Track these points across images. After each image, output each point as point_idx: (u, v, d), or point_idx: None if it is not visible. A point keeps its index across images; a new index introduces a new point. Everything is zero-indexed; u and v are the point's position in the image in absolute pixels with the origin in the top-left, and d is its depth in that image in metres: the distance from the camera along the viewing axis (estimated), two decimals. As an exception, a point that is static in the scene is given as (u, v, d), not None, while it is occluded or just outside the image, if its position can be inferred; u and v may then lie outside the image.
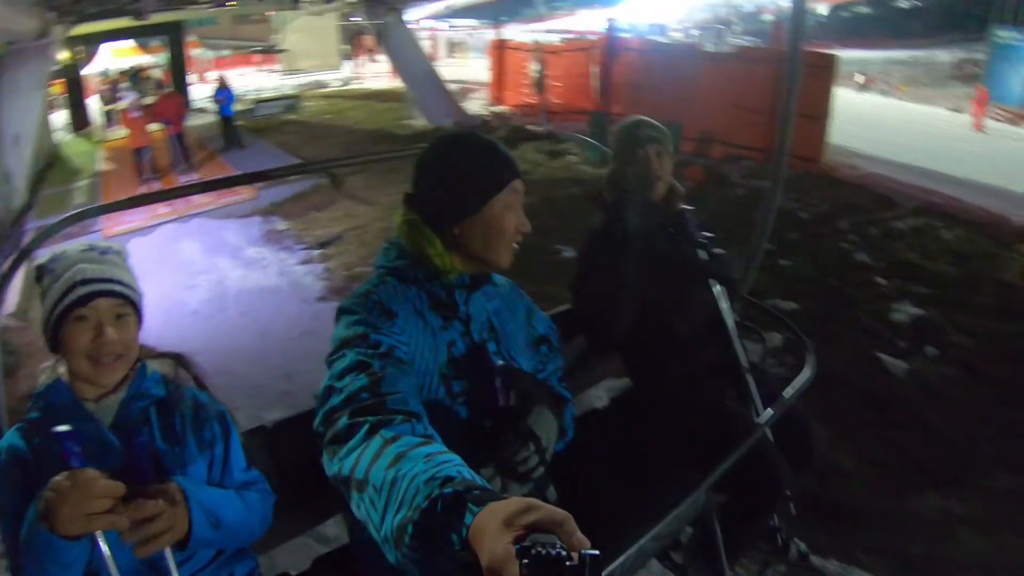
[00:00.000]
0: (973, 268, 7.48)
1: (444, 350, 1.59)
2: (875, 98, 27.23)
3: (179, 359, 1.67)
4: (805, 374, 2.33)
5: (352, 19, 18.11)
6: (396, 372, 1.41)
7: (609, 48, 13.81)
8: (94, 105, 21.99)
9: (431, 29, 41.72)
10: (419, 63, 16.25)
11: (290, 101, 19.63)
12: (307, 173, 11.78)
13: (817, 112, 11.02)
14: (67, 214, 2.15)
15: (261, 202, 10.78)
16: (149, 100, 14.97)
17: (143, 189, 12.45)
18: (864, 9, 49.95)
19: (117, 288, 1.48)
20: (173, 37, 21.85)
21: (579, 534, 0.84)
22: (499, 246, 1.63)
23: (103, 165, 15.36)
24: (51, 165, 15.43)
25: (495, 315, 1.74)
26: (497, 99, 18.02)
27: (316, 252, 8.01)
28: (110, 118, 20.17)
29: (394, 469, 1.12)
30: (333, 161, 8.40)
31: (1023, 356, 5.31)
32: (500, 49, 18.23)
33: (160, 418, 1.55)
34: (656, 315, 2.41)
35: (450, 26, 44.81)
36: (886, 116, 20.08)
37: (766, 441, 2.21)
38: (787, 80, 2.89)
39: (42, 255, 1.57)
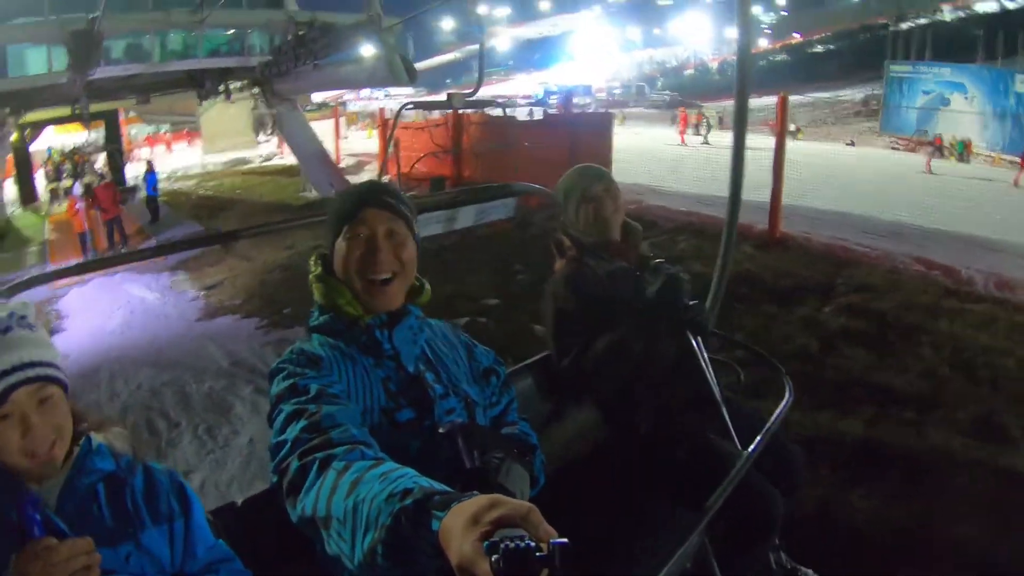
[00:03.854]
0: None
1: (379, 387, 1.64)
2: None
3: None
4: (784, 401, 2.44)
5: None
6: (333, 408, 1.46)
7: (456, 123, 17.34)
8: (39, 181, 25.41)
9: (366, 99, 44.99)
10: (309, 143, 20.26)
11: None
12: (215, 244, 15.31)
13: (601, 159, 13.07)
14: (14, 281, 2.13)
15: (169, 261, 14.71)
16: (88, 181, 18.86)
17: (86, 259, 15.38)
18: (780, 56, 53.90)
19: (32, 374, 1.39)
20: (110, 120, 25.32)
21: (546, 525, 0.90)
22: (351, 281, 1.70)
23: (49, 235, 19.02)
24: (3, 235, 18.98)
25: (428, 345, 1.79)
26: (384, 170, 20.41)
27: (202, 292, 11.69)
28: (54, 195, 23.85)
29: (352, 497, 1.16)
30: (247, 229, 11.70)
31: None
32: (383, 125, 21.49)
33: (109, 494, 1.48)
34: (629, 358, 2.48)
35: (385, 95, 46.18)
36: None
37: (752, 470, 2.18)
38: (735, 128, 3.03)
39: None
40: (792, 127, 30.59)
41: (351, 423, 1.44)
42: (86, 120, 25.28)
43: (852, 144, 28.80)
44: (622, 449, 2.48)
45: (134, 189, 21.30)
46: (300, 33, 18.04)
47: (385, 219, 1.69)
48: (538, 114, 21.61)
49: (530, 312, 7.83)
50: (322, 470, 1.30)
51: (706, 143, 28.08)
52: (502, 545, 0.83)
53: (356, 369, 1.65)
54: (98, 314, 10.63)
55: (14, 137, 21.15)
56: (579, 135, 14.70)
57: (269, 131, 30.03)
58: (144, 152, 28.79)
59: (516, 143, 15.57)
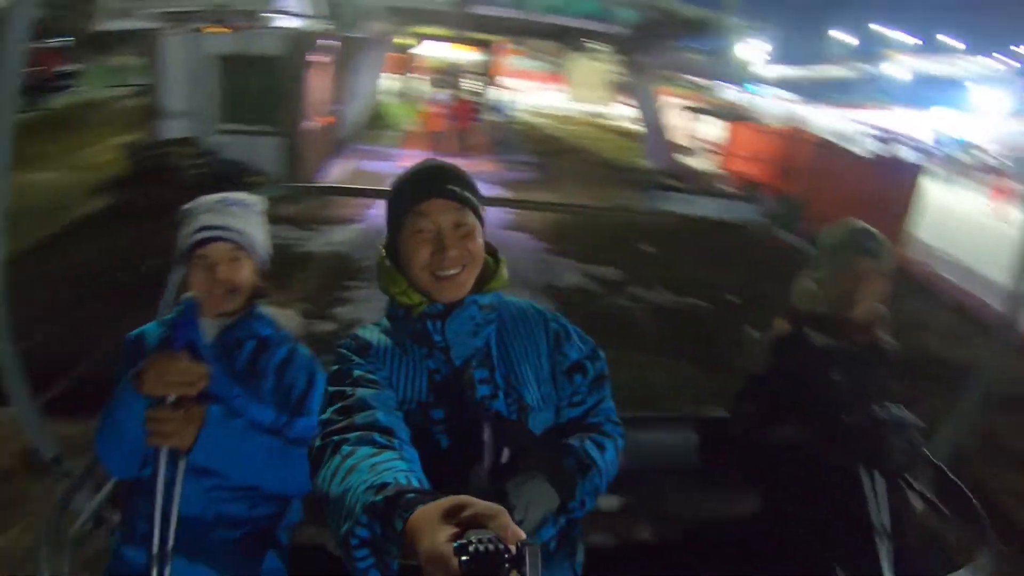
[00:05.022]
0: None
1: (425, 378, 1.61)
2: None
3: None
4: (975, 568, 1.90)
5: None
6: (367, 393, 1.47)
7: (790, 138, 17.44)
8: (418, 82, 29.29)
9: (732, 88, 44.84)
10: (653, 116, 21.19)
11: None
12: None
13: (896, 212, 12.62)
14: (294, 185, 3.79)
15: (505, 177, 16.67)
16: (454, 93, 21.85)
17: (431, 155, 18.61)
18: None
19: (229, 235, 1.85)
20: (488, 48, 27.65)
21: (514, 526, 0.88)
22: (418, 278, 1.59)
23: (409, 126, 21.83)
24: (375, 116, 22.27)
25: (497, 336, 1.69)
26: (723, 163, 21.05)
27: (515, 210, 12.90)
28: (428, 97, 27.04)
29: (345, 483, 1.20)
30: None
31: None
32: (737, 125, 21.66)
33: (253, 352, 1.92)
34: (808, 458, 2.14)
35: (751, 93, 47.35)
36: None
37: None
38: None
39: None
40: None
41: (382, 408, 1.44)
42: (464, 42, 28.69)
43: None
44: (752, 544, 2.22)
45: (489, 110, 23.64)
46: (653, 18, 19.27)
47: (451, 209, 1.56)
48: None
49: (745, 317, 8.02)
50: (334, 452, 1.32)
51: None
52: (471, 546, 0.83)
53: (404, 358, 1.62)
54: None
55: (398, 41, 24.78)
56: (888, 182, 13.96)
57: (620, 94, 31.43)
58: (510, 82, 31.26)
59: (832, 174, 15.17)
